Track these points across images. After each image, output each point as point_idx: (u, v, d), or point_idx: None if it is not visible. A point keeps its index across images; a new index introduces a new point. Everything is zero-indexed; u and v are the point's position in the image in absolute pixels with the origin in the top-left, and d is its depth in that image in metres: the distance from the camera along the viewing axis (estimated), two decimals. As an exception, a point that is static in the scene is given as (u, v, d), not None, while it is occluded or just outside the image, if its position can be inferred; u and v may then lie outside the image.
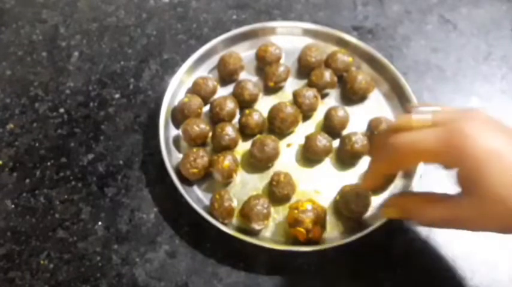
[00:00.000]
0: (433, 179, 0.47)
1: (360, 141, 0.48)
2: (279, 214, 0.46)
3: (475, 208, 0.33)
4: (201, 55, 0.55)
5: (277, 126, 0.50)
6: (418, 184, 0.46)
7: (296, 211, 0.43)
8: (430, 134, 0.34)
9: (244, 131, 0.50)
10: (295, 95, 0.52)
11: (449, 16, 0.62)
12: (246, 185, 0.48)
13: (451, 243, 0.45)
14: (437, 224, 0.37)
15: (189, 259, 0.45)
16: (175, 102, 0.52)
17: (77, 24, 0.62)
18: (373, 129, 0.49)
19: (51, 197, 0.48)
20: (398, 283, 0.44)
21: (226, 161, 0.46)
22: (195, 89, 0.52)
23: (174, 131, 0.51)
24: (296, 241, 0.44)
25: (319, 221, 0.43)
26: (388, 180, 0.47)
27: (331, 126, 0.50)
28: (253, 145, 0.48)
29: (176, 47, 0.60)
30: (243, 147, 0.50)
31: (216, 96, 0.53)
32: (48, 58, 0.59)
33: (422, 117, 0.36)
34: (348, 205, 0.45)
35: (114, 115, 0.54)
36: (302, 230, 0.43)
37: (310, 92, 0.51)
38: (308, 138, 0.49)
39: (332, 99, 0.54)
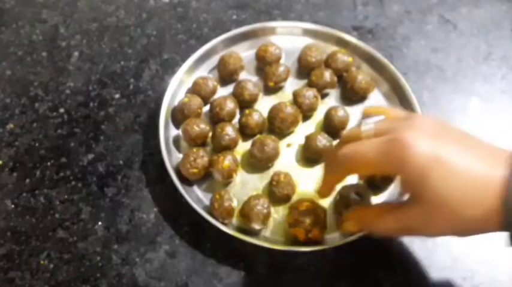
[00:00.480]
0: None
1: (360, 141, 0.48)
2: (279, 214, 0.46)
3: (422, 215, 0.34)
4: (201, 55, 0.55)
5: (277, 126, 0.50)
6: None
7: (296, 211, 0.43)
8: (370, 144, 0.35)
9: (244, 131, 0.50)
10: (295, 95, 0.52)
11: (449, 16, 0.62)
12: (246, 185, 0.48)
13: (451, 243, 0.45)
14: (394, 234, 0.38)
15: (189, 259, 0.45)
16: (175, 102, 0.52)
17: (77, 24, 0.62)
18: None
19: (51, 197, 0.48)
20: (398, 283, 0.44)
21: (226, 161, 0.46)
22: (195, 89, 0.52)
23: (174, 131, 0.51)
24: (296, 241, 0.44)
25: (319, 221, 0.43)
26: (387, 180, 0.47)
27: (331, 126, 0.50)
28: (253, 145, 0.48)
29: (176, 47, 0.60)
30: (243, 147, 0.50)
31: (216, 96, 0.53)
32: (48, 58, 0.59)
33: (366, 128, 0.37)
34: (348, 205, 0.45)
35: (114, 115, 0.54)
36: (302, 230, 0.43)
37: (310, 92, 0.51)
38: (308, 138, 0.49)
39: (332, 99, 0.54)
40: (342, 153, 0.37)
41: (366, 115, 0.42)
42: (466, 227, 0.33)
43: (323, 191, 0.44)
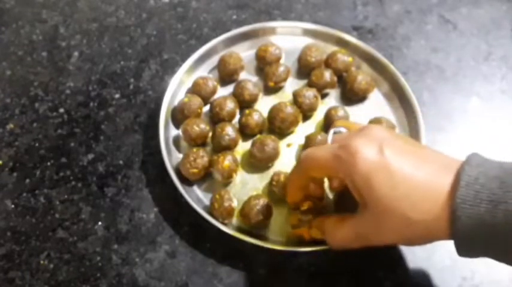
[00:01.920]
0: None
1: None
2: (279, 214, 0.46)
3: (371, 221, 0.34)
4: (201, 55, 0.55)
5: (277, 126, 0.50)
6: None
7: (298, 212, 0.43)
8: (325, 149, 0.37)
9: (244, 131, 0.50)
10: (295, 95, 0.52)
11: (449, 16, 0.62)
12: (246, 185, 0.48)
13: (451, 243, 0.45)
14: (350, 244, 0.38)
15: (189, 259, 0.45)
16: (175, 102, 0.52)
17: (77, 24, 0.62)
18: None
19: (51, 197, 0.48)
20: (398, 283, 0.44)
21: (226, 161, 0.46)
22: (195, 89, 0.52)
23: (174, 131, 0.51)
24: (299, 242, 0.44)
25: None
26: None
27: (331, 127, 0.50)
28: (253, 145, 0.48)
29: (176, 47, 0.60)
30: (243, 147, 0.50)
31: (216, 96, 0.53)
32: (48, 58, 0.59)
33: (327, 137, 0.43)
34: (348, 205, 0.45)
35: (114, 115, 0.54)
36: (307, 229, 0.42)
37: (310, 92, 0.51)
38: (308, 138, 0.49)
39: (332, 99, 0.54)
40: (302, 154, 0.39)
41: (333, 126, 0.45)
42: (416, 234, 0.34)
43: (288, 194, 0.43)
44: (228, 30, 0.58)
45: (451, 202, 0.31)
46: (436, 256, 0.45)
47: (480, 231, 0.30)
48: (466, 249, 0.33)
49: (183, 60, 0.55)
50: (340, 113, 0.50)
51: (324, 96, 0.54)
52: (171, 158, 0.49)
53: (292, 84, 0.55)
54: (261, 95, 0.53)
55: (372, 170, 0.33)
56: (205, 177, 0.48)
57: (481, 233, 0.30)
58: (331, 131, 0.44)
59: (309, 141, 0.48)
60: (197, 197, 0.47)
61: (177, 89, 0.53)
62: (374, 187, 0.33)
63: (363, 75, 0.53)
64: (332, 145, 0.38)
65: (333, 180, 0.43)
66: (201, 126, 0.49)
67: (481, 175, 0.31)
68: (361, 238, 0.37)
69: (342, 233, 0.38)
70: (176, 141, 0.51)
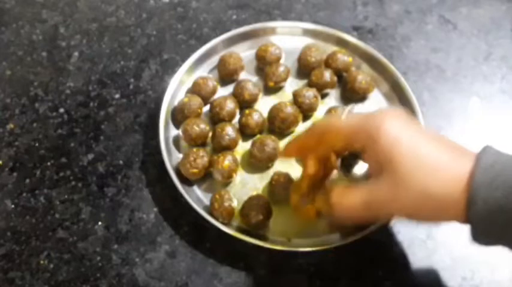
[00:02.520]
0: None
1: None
2: (279, 214, 0.46)
3: (387, 190, 0.34)
4: (201, 55, 0.55)
5: (277, 126, 0.50)
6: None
7: (298, 193, 0.42)
8: (348, 118, 0.39)
9: (244, 131, 0.50)
10: (295, 95, 0.52)
11: (449, 16, 0.62)
12: (246, 185, 0.48)
13: (451, 243, 0.45)
14: (359, 212, 0.36)
15: (189, 259, 0.45)
16: (175, 102, 0.52)
17: (77, 24, 0.62)
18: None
19: (51, 197, 0.48)
20: (398, 283, 0.44)
21: (226, 161, 0.46)
22: (195, 89, 0.52)
23: (174, 131, 0.51)
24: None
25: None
26: None
27: (331, 126, 0.50)
28: (253, 145, 0.48)
29: (176, 47, 0.60)
30: (243, 147, 0.50)
31: (216, 96, 0.53)
32: (48, 58, 0.59)
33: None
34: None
35: (114, 115, 0.54)
36: (310, 206, 0.42)
37: (310, 92, 0.51)
38: (308, 138, 0.49)
39: (332, 99, 0.54)
40: (320, 120, 0.41)
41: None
42: (429, 209, 0.33)
43: (286, 148, 0.43)
44: (228, 30, 0.58)
45: (469, 186, 0.31)
46: (436, 256, 0.45)
47: (495, 216, 0.31)
48: (481, 234, 0.33)
49: (183, 60, 0.55)
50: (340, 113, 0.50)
51: (324, 96, 0.54)
52: (171, 158, 0.49)
53: (292, 84, 0.55)
54: (261, 95, 0.53)
55: (397, 139, 0.33)
56: (205, 177, 0.48)
57: (497, 218, 0.31)
58: (347, 109, 0.43)
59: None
60: (197, 197, 0.47)
61: (177, 89, 0.53)
62: (397, 154, 0.33)
63: (363, 75, 0.53)
64: (355, 115, 0.38)
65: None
66: (201, 126, 0.49)
67: (497, 163, 0.31)
68: (370, 207, 0.35)
69: (350, 201, 0.36)
70: (176, 141, 0.51)
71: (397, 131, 0.34)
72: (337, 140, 0.38)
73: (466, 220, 0.32)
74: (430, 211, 0.34)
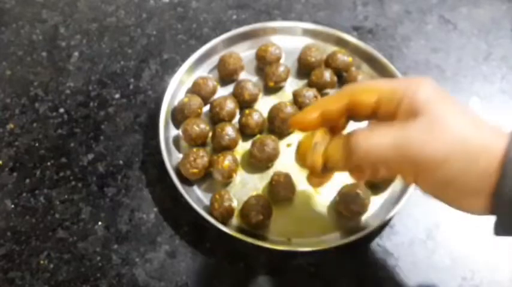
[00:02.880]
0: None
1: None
2: (279, 214, 0.46)
3: (424, 126, 0.31)
4: (201, 55, 0.55)
5: (277, 126, 0.50)
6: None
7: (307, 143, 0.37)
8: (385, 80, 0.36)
9: (244, 131, 0.50)
10: (295, 95, 0.52)
11: (449, 16, 0.62)
12: (246, 185, 0.48)
13: (451, 243, 0.45)
14: (382, 150, 0.32)
15: (189, 259, 0.45)
16: (175, 102, 0.52)
17: (77, 24, 0.62)
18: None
19: (51, 197, 0.48)
20: (398, 283, 0.44)
21: (226, 161, 0.46)
22: (195, 89, 0.52)
23: (174, 131, 0.51)
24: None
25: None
26: (387, 181, 0.47)
27: (331, 126, 0.50)
28: (253, 145, 0.48)
29: (176, 47, 0.60)
30: (243, 147, 0.50)
31: (216, 96, 0.53)
32: (48, 58, 0.59)
33: None
34: (348, 205, 0.45)
35: (114, 115, 0.54)
36: (318, 155, 0.36)
37: (310, 92, 0.51)
38: (308, 138, 0.49)
39: (332, 99, 0.54)
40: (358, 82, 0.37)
41: None
42: (463, 154, 0.31)
43: (305, 114, 0.37)
44: (228, 30, 0.58)
45: (501, 166, 0.30)
46: (436, 256, 0.45)
47: None
48: (507, 218, 0.31)
49: (183, 60, 0.55)
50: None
51: (324, 96, 0.54)
52: (171, 158, 0.49)
53: (292, 84, 0.55)
54: (261, 95, 0.53)
55: (439, 90, 0.32)
56: (205, 177, 0.48)
57: None
58: None
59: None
60: (197, 197, 0.47)
61: (177, 89, 0.53)
62: (439, 99, 0.32)
63: (363, 75, 0.53)
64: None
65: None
66: (201, 126, 0.49)
67: None
68: (400, 147, 0.31)
69: (378, 140, 0.32)
70: (176, 141, 0.51)
71: (438, 86, 0.33)
72: (369, 98, 0.34)
73: (493, 189, 0.30)
74: (461, 162, 0.31)
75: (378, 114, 0.34)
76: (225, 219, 0.45)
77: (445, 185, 0.32)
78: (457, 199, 0.32)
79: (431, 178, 0.31)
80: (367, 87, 0.35)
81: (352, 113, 0.35)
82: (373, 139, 0.32)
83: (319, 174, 0.36)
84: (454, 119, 0.31)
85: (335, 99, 0.35)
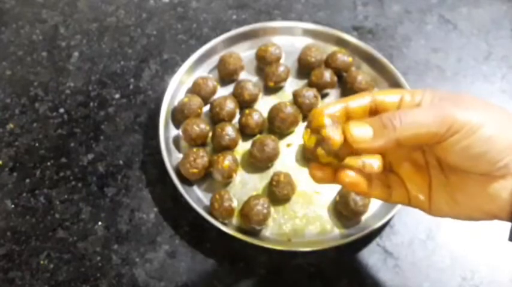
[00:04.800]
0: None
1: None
2: (279, 214, 0.47)
3: (457, 99, 0.31)
4: (201, 55, 0.55)
5: (277, 126, 0.50)
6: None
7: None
8: None
9: (244, 131, 0.50)
10: (295, 95, 0.52)
11: (449, 16, 0.62)
12: (246, 185, 0.48)
13: (451, 243, 0.45)
14: (426, 127, 0.31)
15: (189, 259, 0.45)
16: (175, 102, 0.52)
17: (77, 24, 0.62)
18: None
19: (51, 197, 0.48)
20: (398, 283, 0.44)
21: (226, 161, 0.46)
22: (195, 89, 0.52)
23: (174, 131, 0.51)
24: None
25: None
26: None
27: (331, 126, 0.50)
28: (253, 145, 0.48)
29: (176, 47, 0.60)
30: (243, 147, 0.50)
31: (216, 96, 0.53)
32: (48, 58, 0.59)
33: None
34: (348, 205, 0.45)
35: (114, 115, 0.54)
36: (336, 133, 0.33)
37: (310, 92, 0.51)
38: (308, 138, 0.49)
39: (332, 99, 0.54)
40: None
41: None
42: (498, 126, 0.31)
43: (330, 104, 0.35)
44: (228, 30, 0.58)
45: None
46: (436, 256, 0.45)
47: None
48: None
49: (183, 60, 0.55)
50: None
51: (324, 96, 0.54)
52: (171, 158, 0.49)
53: (292, 84, 0.55)
54: (261, 95, 0.53)
55: (471, 96, 0.32)
56: (205, 177, 0.48)
57: None
58: None
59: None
60: (197, 197, 0.47)
61: (177, 89, 0.53)
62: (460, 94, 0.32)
63: (363, 75, 0.53)
64: None
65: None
66: (201, 126, 0.49)
67: None
68: (438, 109, 0.31)
69: (415, 111, 0.31)
70: (176, 141, 0.51)
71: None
72: (393, 97, 0.34)
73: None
74: (497, 124, 0.31)
75: None
76: (225, 219, 0.45)
77: (479, 154, 0.31)
78: (486, 179, 0.32)
79: (468, 141, 0.30)
80: (389, 90, 0.36)
81: (375, 112, 0.35)
82: (410, 111, 0.31)
83: (329, 157, 0.33)
84: (479, 100, 0.32)
85: (358, 96, 0.35)
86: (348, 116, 0.35)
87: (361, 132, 0.31)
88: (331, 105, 0.35)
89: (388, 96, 0.34)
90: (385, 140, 0.31)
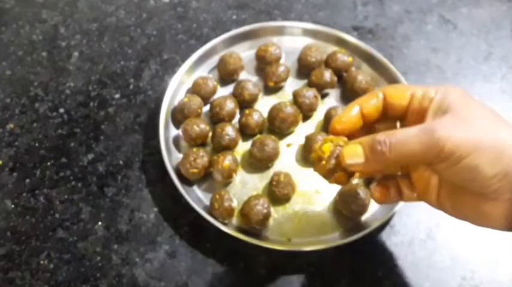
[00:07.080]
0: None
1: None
2: (279, 214, 0.47)
3: (452, 122, 0.32)
4: (201, 55, 0.55)
5: (277, 126, 0.50)
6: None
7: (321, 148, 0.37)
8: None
9: (244, 131, 0.50)
10: (295, 95, 0.52)
11: (449, 16, 0.62)
12: (246, 185, 0.48)
13: (451, 243, 0.45)
14: (411, 145, 0.32)
15: (189, 259, 0.45)
16: (175, 102, 0.52)
17: (77, 24, 0.62)
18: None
19: (51, 197, 0.48)
20: (398, 283, 0.44)
21: (226, 161, 0.46)
22: (195, 89, 0.52)
23: (174, 131, 0.51)
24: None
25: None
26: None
27: (331, 126, 0.50)
28: (253, 145, 0.48)
29: (176, 47, 0.60)
30: (243, 147, 0.50)
31: (216, 96, 0.53)
32: (48, 58, 0.59)
33: None
34: (348, 205, 0.45)
35: (114, 115, 0.54)
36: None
37: (310, 92, 0.51)
38: (308, 139, 0.49)
39: (332, 99, 0.54)
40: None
41: None
42: (488, 155, 0.31)
43: (346, 110, 0.38)
44: (228, 30, 0.58)
45: None
46: (436, 256, 0.45)
47: None
48: None
49: (183, 60, 0.55)
50: (340, 113, 0.50)
51: (324, 96, 0.54)
52: (171, 158, 0.49)
53: (292, 84, 0.55)
54: (261, 95, 0.53)
55: (468, 93, 0.34)
56: (205, 177, 0.48)
57: None
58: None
59: (309, 142, 0.48)
60: (197, 197, 0.47)
61: (177, 89, 0.53)
62: (468, 98, 0.34)
63: (363, 75, 0.53)
64: None
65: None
66: (201, 126, 0.49)
67: None
68: (427, 133, 0.32)
69: (404, 131, 0.32)
70: (176, 141, 0.51)
71: (467, 92, 0.34)
72: (404, 93, 0.35)
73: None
74: (488, 153, 0.31)
75: (408, 114, 0.36)
76: (225, 219, 0.45)
77: (470, 177, 0.32)
78: (480, 197, 0.33)
79: (456, 168, 0.31)
80: (401, 86, 0.38)
81: (386, 111, 0.37)
82: (399, 134, 0.32)
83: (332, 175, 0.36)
84: (482, 116, 0.33)
85: (371, 96, 0.37)
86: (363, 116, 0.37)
87: (354, 160, 0.34)
88: (348, 111, 0.37)
89: (400, 91, 0.36)
90: (376, 165, 0.34)
